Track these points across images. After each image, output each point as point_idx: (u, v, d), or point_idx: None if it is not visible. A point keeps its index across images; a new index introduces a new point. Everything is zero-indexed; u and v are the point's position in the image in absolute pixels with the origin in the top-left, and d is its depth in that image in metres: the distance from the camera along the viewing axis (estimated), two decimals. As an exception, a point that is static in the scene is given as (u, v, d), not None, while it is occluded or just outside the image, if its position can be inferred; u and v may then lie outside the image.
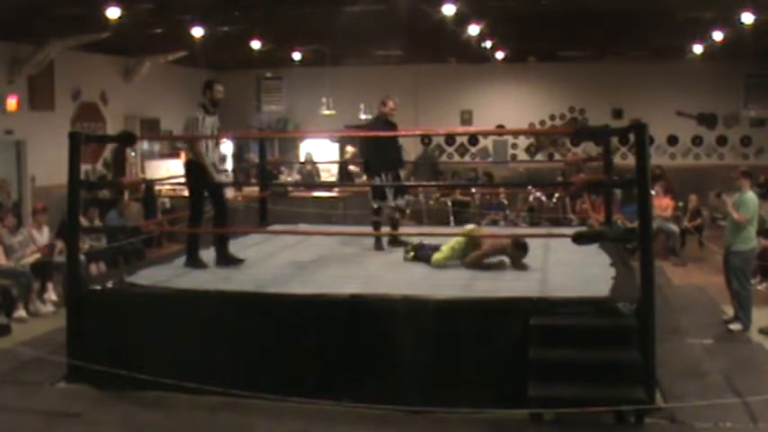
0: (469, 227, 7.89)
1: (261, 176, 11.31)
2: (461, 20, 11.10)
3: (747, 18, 10.61)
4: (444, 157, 18.72)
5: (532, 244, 7.54)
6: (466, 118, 18.66)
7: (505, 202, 15.66)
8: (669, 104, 17.55)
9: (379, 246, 8.53)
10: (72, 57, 13.64)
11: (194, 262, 7.57)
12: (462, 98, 18.52)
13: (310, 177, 16.07)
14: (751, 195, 8.38)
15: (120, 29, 11.25)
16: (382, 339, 6.19)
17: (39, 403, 6.26)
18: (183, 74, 17.09)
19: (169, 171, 15.08)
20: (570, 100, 18.21)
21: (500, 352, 6.01)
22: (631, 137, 6.62)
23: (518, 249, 7.36)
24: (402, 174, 8.77)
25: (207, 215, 7.86)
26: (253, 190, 12.54)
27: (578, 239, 6.25)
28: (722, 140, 17.82)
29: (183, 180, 8.30)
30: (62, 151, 6.82)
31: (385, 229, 8.67)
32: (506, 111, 18.08)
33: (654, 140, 16.61)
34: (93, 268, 10.71)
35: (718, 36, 12.53)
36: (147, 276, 7.22)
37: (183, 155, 15.80)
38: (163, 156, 16.75)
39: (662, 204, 12.76)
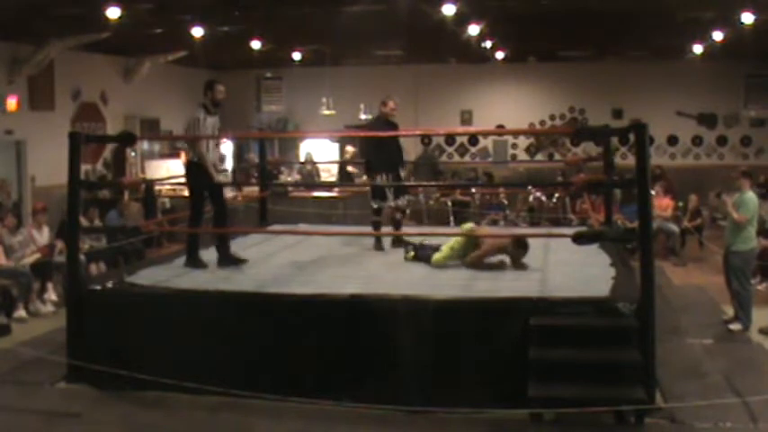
0: (468, 226, 7.88)
1: (261, 176, 11.31)
2: (461, 20, 11.10)
3: (747, 18, 10.61)
4: (444, 157, 18.72)
5: (532, 244, 7.54)
6: (466, 118, 18.66)
7: (505, 202, 15.66)
8: (669, 104, 17.55)
9: (379, 246, 8.53)
10: (72, 57, 13.64)
11: (194, 262, 7.57)
12: (462, 98, 18.52)
13: (310, 177, 16.07)
14: (751, 195, 8.38)
15: (120, 29, 11.25)
16: (382, 339, 6.19)
17: (39, 403, 6.26)
18: (183, 74, 17.09)
19: (169, 171, 15.08)
20: (570, 100, 18.21)
21: (500, 352, 6.01)
22: (631, 137, 6.62)
23: (518, 248, 7.36)
24: (403, 173, 8.75)
25: (207, 215, 7.86)
26: (253, 190, 12.54)
27: (578, 239, 6.26)
28: (722, 140, 17.82)
29: (183, 180, 8.30)
30: (62, 151, 6.82)
31: (386, 230, 8.67)
32: (506, 111, 18.08)
33: (654, 140, 16.61)
34: (93, 268, 10.71)
35: (718, 36, 12.53)
36: (147, 276, 7.22)
37: (182, 155, 15.85)
38: (163, 156, 16.75)
39: (662, 204, 12.76)
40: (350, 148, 16.48)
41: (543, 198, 15.43)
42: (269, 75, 19.39)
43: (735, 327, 8.26)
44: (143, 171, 16.00)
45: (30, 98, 13.17)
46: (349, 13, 10.53)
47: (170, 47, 14.82)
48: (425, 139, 18.84)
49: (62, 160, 6.78)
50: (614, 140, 13.06)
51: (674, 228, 12.71)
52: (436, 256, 7.50)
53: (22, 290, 9.25)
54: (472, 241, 7.45)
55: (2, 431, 5.83)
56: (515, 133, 19.23)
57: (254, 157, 15.65)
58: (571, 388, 5.61)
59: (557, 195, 15.27)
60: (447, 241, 7.60)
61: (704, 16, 11.15)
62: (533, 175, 17.91)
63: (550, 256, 7.88)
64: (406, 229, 8.89)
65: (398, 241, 8.48)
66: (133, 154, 15.77)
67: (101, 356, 6.41)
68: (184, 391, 6.09)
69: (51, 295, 9.76)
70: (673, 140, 17.96)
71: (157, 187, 14.57)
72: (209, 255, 7.75)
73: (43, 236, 10.32)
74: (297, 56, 16.22)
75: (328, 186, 15.05)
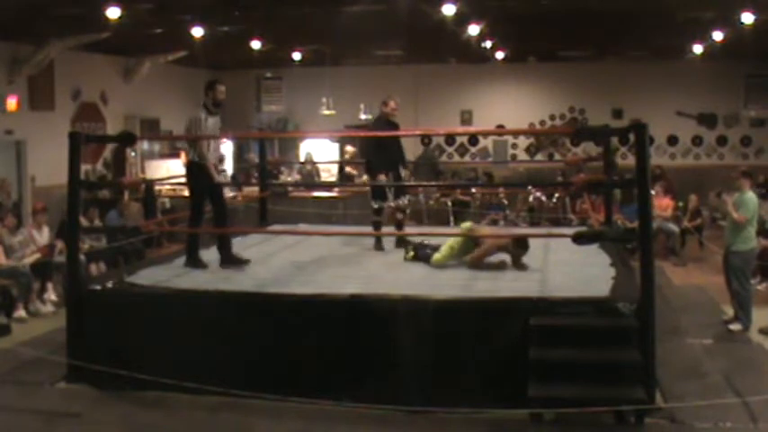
0: (467, 225, 7.87)
1: (261, 176, 11.30)
2: (461, 20, 11.10)
3: (747, 18, 10.61)
4: (444, 157, 18.72)
5: (532, 244, 7.54)
6: (466, 118, 18.66)
7: (505, 202, 15.65)
8: (669, 104, 17.55)
9: (379, 246, 8.52)
10: (72, 57, 13.64)
11: (194, 262, 7.56)
12: (462, 98, 18.52)
13: (310, 177, 16.07)
14: (751, 195, 8.38)
15: (120, 29, 11.25)
16: (382, 339, 6.19)
17: (39, 403, 6.26)
18: (183, 74, 17.10)
19: (169, 171, 15.08)
20: (570, 100, 18.21)
21: (500, 352, 6.00)
22: (631, 137, 6.62)
23: (519, 247, 7.36)
24: (404, 173, 8.74)
25: (207, 215, 7.85)
26: (253, 190, 12.54)
27: (578, 239, 6.25)
28: (722, 140, 17.82)
29: (183, 180, 8.30)
30: (62, 151, 6.82)
31: (386, 230, 8.66)
32: (506, 111, 18.08)
33: (654, 140, 16.61)
34: (93, 268, 10.72)
35: (718, 36, 12.53)
36: (147, 276, 7.22)
37: (182, 155, 15.84)
38: (163, 156, 16.75)
39: (662, 204, 12.76)
40: (349, 148, 16.49)
41: (543, 198, 15.43)
42: (269, 75, 19.39)
43: (735, 327, 8.26)
44: (143, 171, 16.00)
45: (30, 98, 13.18)
46: (349, 13, 10.53)
47: (170, 47, 14.82)
48: (425, 139, 18.84)
49: (62, 160, 6.78)
50: (614, 140, 13.07)
51: (674, 228, 12.71)
52: (436, 256, 7.50)
53: (22, 290, 9.25)
54: (471, 241, 7.45)
55: (2, 431, 5.83)
56: (515, 133, 19.23)
57: (254, 157, 15.64)
58: (571, 388, 5.61)
59: (557, 195, 15.27)
60: (447, 241, 7.60)
61: (704, 16, 11.15)
62: (533, 175, 17.91)
63: (550, 256, 7.88)
64: (405, 230, 8.88)
65: (402, 242, 8.45)
66: (133, 154, 15.77)
67: (101, 356, 6.41)
68: (184, 391, 6.09)
69: (51, 295, 9.76)
70: (673, 140, 17.96)
71: (157, 187, 14.57)
72: (210, 255, 7.75)
73: (43, 236, 10.31)
74: (297, 56, 16.22)
75: (328, 186, 15.05)
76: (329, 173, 16.84)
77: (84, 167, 13.05)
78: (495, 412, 5.76)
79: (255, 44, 13.96)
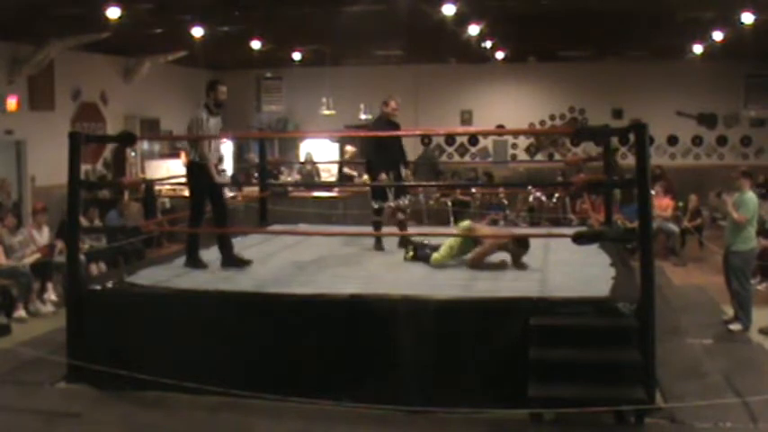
0: (465, 224, 7.86)
1: (261, 176, 11.30)
2: (461, 20, 11.10)
3: (747, 18, 10.61)
4: (444, 157, 18.73)
5: (532, 244, 7.54)
6: (466, 118, 18.66)
7: (505, 202, 15.66)
8: (669, 104, 17.56)
9: (379, 246, 8.52)
10: (72, 57, 13.64)
11: (194, 262, 7.56)
12: (462, 98, 18.52)
13: (310, 177, 16.07)
14: (751, 195, 8.38)
15: (120, 29, 11.25)
16: (382, 339, 6.19)
17: (39, 403, 6.26)
18: (183, 74, 17.10)
19: (169, 171, 15.08)
20: (570, 100, 18.21)
21: (500, 352, 6.00)
22: (631, 137, 6.62)
23: (519, 246, 7.35)
24: (405, 173, 8.74)
25: (207, 215, 7.85)
26: (253, 190, 12.54)
27: (578, 239, 6.25)
28: (722, 140, 17.82)
29: (183, 180, 8.29)
30: (62, 151, 6.82)
31: (387, 230, 8.66)
32: (506, 111, 18.08)
33: (654, 140, 16.61)
34: (94, 268, 10.71)
35: (718, 36, 12.53)
36: (147, 276, 7.22)
37: (182, 155, 15.83)
38: (163, 156, 16.75)
39: (662, 204, 12.76)
40: (349, 148, 16.50)
41: (543, 198, 15.43)
42: (269, 75, 19.39)
43: (735, 327, 8.26)
44: (143, 171, 16.00)
45: (30, 98, 13.18)
46: (349, 13, 10.53)
47: (170, 47, 14.82)
48: (425, 139, 18.84)
49: (62, 160, 6.78)
50: (614, 140, 13.07)
51: (674, 228, 12.71)
52: (435, 256, 7.50)
53: (22, 290, 9.25)
54: (470, 240, 7.45)
55: (2, 431, 5.83)
56: (515, 133, 19.24)
57: (254, 157, 15.64)
58: (571, 388, 5.61)
59: (557, 195, 15.27)
60: (446, 241, 7.59)
61: (704, 16, 11.15)
62: (533, 175, 17.91)
63: (550, 256, 7.88)
64: (406, 230, 8.87)
65: (405, 242, 8.41)
66: (133, 154, 15.78)
67: (101, 356, 6.41)
68: (184, 391, 6.09)
69: (51, 295, 9.76)
70: (673, 140, 17.96)
71: (157, 187, 14.57)
72: (210, 255, 7.75)
73: (43, 236, 10.31)
74: (297, 56, 16.23)
75: (328, 186, 15.05)
76: (329, 173, 16.84)
77: (84, 167, 13.05)
78: (495, 412, 5.76)
79: (255, 44, 13.97)
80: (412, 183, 9.49)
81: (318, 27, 12.25)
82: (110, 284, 7.06)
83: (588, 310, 6.01)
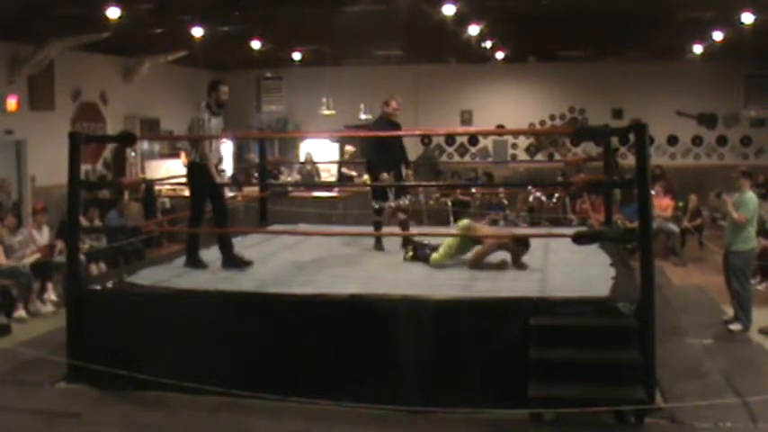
0: (464, 222, 7.86)
1: (261, 176, 11.30)
2: (461, 20, 11.10)
3: (747, 18, 10.61)
4: (444, 157, 18.73)
5: (532, 244, 7.53)
6: (466, 118, 18.66)
7: (505, 202, 15.66)
8: (669, 104, 17.56)
9: (379, 246, 8.52)
10: (72, 57, 13.64)
11: (194, 262, 7.56)
12: (462, 98, 18.52)
13: (310, 177, 16.07)
14: (751, 195, 8.38)
15: (120, 29, 11.25)
16: (382, 339, 6.19)
17: (39, 403, 6.26)
18: (183, 74, 17.10)
19: (169, 171, 15.08)
20: (570, 100, 18.21)
21: (500, 352, 6.00)
22: (631, 137, 6.62)
23: (520, 245, 7.35)
24: (407, 173, 8.73)
25: (207, 215, 7.85)
26: (253, 190, 12.54)
27: (578, 239, 6.25)
28: (722, 140, 17.82)
29: (183, 180, 8.29)
30: (62, 151, 6.82)
31: (387, 230, 8.65)
32: (506, 111, 18.08)
33: (654, 140, 16.61)
34: (94, 268, 10.72)
35: (718, 36, 12.53)
36: (147, 276, 7.22)
37: (182, 155, 15.82)
38: (163, 156, 16.75)
39: (662, 204, 12.76)
40: (349, 148, 16.50)
41: (543, 198, 15.44)
42: (269, 75, 19.39)
43: (735, 327, 8.26)
44: (143, 171, 16.00)
45: (30, 98, 13.18)
46: (349, 13, 10.53)
47: (170, 47, 14.82)
48: (425, 139, 18.84)
49: (62, 160, 6.78)
50: (614, 140, 13.07)
51: (674, 228, 12.71)
52: (434, 256, 7.50)
53: (22, 290, 9.25)
54: (468, 239, 7.45)
55: (2, 431, 5.83)
56: (515, 133, 19.24)
57: (254, 157, 15.65)
58: (571, 388, 5.61)
59: (557, 195, 15.27)
60: (445, 240, 7.59)
61: (704, 16, 11.15)
62: (533, 175, 17.91)
63: (550, 256, 7.88)
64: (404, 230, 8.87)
65: (407, 242, 8.35)
66: (133, 154, 15.78)
67: (101, 356, 6.41)
68: (184, 391, 6.09)
69: (51, 295, 9.76)
70: (673, 140, 17.96)
71: (157, 187, 14.57)
72: (210, 255, 7.75)
73: (43, 236, 10.31)
74: (297, 56, 16.22)
75: (328, 186, 15.05)
76: (329, 173, 16.84)
77: (84, 167, 13.05)
78: (495, 412, 5.76)
79: (255, 44, 13.97)
80: (412, 183, 9.47)
81: (318, 27, 12.25)
82: (110, 284, 7.06)
83: (588, 310, 6.01)
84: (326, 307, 6.36)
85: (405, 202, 8.64)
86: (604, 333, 5.90)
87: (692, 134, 17.92)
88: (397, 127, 8.56)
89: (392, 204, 8.53)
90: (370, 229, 8.60)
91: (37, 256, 9.85)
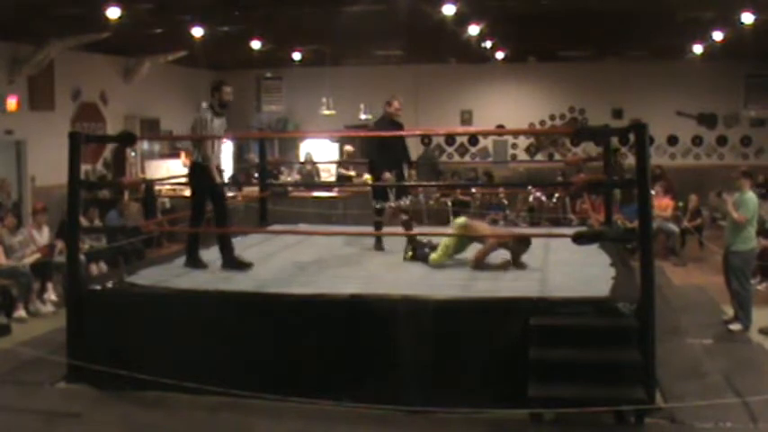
0: (461, 220, 7.84)
1: (261, 176, 11.29)
2: (461, 20, 11.11)
3: (747, 18, 10.61)
4: (444, 157, 18.73)
5: (532, 244, 7.53)
6: (466, 118, 18.66)
7: (505, 202, 15.65)
8: (669, 104, 17.56)
9: (379, 246, 8.52)
10: (72, 57, 13.64)
11: (194, 262, 7.56)
12: (462, 98, 18.52)
13: (310, 177, 16.07)
14: (751, 195, 8.38)
15: (120, 29, 11.25)
16: (382, 339, 6.19)
17: (39, 403, 6.26)
18: (183, 74, 17.10)
19: (169, 171, 15.10)
20: (570, 100, 18.21)
21: (500, 352, 6.00)
22: (631, 137, 6.62)
23: (520, 243, 7.35)
24: (408, 172, 8.72)
25: (207, 215, 7.85)
26: (253, 190, 12.54)
27: (578, 239, 6.25)
28: (722, 140, 17.82)
29: (183, 180, 8.28)
30: (62, 151, 6.82)
31: (387, 230, 8.65)
32: (506, 111, 18.09)
33: (654, 140, 16.61)
34: (94, 268, 10.72)
35: (718, 36, 12.54)
36: (147, 276, 7.22)
37: (183, 155, 15.86)
38: (163, 156, 16.76)
39: (662, 204, 12.76)
40: (348, 148, 16.49)
41: (543, 198, 15.43)
42: (269, 75, 19.39)
43: (735, 327, 8.26)
44: (143, 171, 16.00)
45: (30, 98, 13.17)
46: (349, 13, 10.53)
47: (170, 47, 14.81)
48: (425, 139, 18.84)
49: (62, 160, 6.77)
50: (614, 140, 13.08)
51: (674, 228, 12.71)
52: (432, 256, 7.50)
53: (22, 290, 9.25)
54: (465, 238, 7.44)
55: (2, 431, 5.83)
56: (515, 133, 19.24)
57: (254, 157, 15.65)
58: (571, 388, 5.61)
59: (557, 195, 15.27)
60: (442, 240, 7.59)
61: (704, 16, 11.16)
62: (533, 175, 17.92)
63: (550, 256, 7.88)
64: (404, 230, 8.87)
65: (411, 242, 8.35)
66: (133, 154, 15.78)
67: (101, 356, 6.40)
68: (184, 391, 6.09)
69: (51, 295, 9.76)
70: (673, 140, 17.96)
71: (157, 187, 14.57)
72: (210, 255, 7.75)
73: (43, 236, 10.31)
74: (297, 56, 16.23)
75: (328, 186, 15.05)
76: (329, 173, 16.84)
77: (84, 167, 13.04)
78: (495, 412, 5.76)
79: (255, 44, 13.96)
80: (412, 183, 9.47)
81: (318, 27, 12.25)
82: (110, 284, 7.07)
83: (588, 310, 6.01)
84: (326, 307, 6.36)
85: (406, 202, 8.63)
86: (604, 333, 5.90)
87: (692, 134, 17.93)
88: (399, 127, 8.55)
89: (392, 204, 8.52)
90: (371, 229, 8.60)
91: (37, 256, 9.85)
